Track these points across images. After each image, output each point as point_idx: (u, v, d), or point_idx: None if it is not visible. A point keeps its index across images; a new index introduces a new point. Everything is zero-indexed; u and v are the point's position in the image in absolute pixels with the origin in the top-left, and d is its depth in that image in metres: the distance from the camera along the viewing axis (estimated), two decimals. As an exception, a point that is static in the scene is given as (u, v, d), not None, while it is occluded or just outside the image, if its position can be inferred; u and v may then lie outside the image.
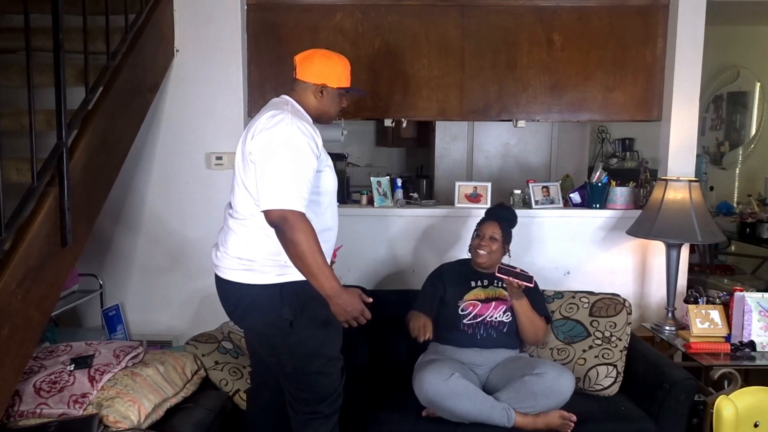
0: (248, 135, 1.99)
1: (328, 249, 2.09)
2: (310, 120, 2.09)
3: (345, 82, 2.13)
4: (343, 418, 2.19)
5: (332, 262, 2.37)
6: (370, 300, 1.96)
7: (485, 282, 2.77)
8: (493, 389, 2.52)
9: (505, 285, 2.68)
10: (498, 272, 2.61)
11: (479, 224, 2.82)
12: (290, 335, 1.99)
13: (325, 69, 2.09)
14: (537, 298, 2.78)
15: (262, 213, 1.90)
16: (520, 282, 2.58)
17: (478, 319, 2.67)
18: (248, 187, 1.99)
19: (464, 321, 2.67)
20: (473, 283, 2.77)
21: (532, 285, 2.62)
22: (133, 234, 3.26)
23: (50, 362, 2.25)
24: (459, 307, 2.70)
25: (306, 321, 1.98)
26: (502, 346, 2.67)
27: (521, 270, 2.64)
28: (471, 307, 2.70)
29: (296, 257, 1.87)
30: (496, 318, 2.68)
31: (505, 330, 2.68)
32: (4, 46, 2.79)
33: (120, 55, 2.55)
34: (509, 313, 2.70)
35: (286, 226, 1.85)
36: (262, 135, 1.93)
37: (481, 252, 2.74)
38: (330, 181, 2.09)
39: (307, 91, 2.10)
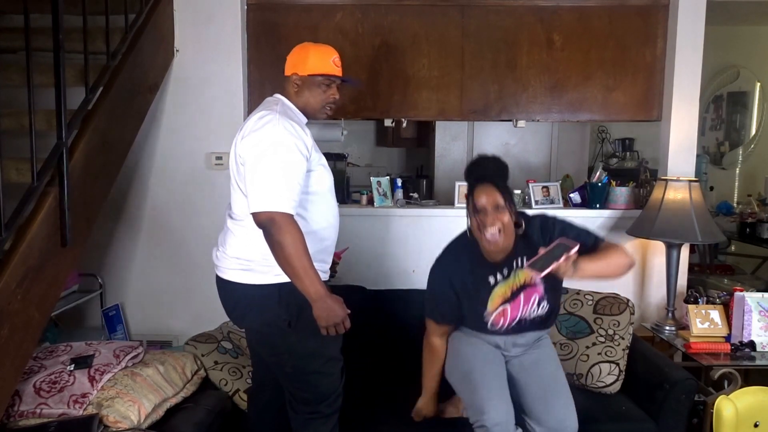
0: (239, 137, 2.00)
1: (327, 247, 2.09)
2: (302, 117, 2.08)
3: (318, 68, 2.05)
4: (342, 418, 2.18)
5: (336, 264, 2.37)
6: (349, 311, 1.96)
7: (505, 271, 2.20)
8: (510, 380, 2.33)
9: (522, 264, 2.13)
10: (539, 272, 1.91)
11: (471, 196, 2.17)
12: (289, 335, 1.99)
13: (296, 59, 2.08)
14: (575, 234, 2.14)
15: (251, 215, 1.90)
16: (568, 257, 1.91)
17: (513, 323, 2.23)
18: (243, 188, 1.99)
19: (498, 333, 2.26)
20: (492, 280, 2.22)
21: (577, 247, 1.93)
22: (133, 234, 3.26)
23: (50, 362, 2.25)
24: (487, 322, 2.23)
25: (305, 321, 1.97)
26: (535, 329, 2.31)
27: (551, 246, 1.97)
28: (501, 319, 2.22)
29: (282, 259, 1.86)
30: (532, 314, 2.23)
31: (542, 319, 2.26)
32: (4, 46, 2.79)
33: (120, 55, 2.55)
34: (544, 302, 2.22)
35: (273, 228, 1.85)
36: (251, 137, 1.93)
37: (493, 231, 2.09)
38: (324, 180, 2.07)
39: (288, 86, 2.09)
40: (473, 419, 2.20)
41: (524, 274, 2.17)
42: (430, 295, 2.35)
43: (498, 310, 2.22)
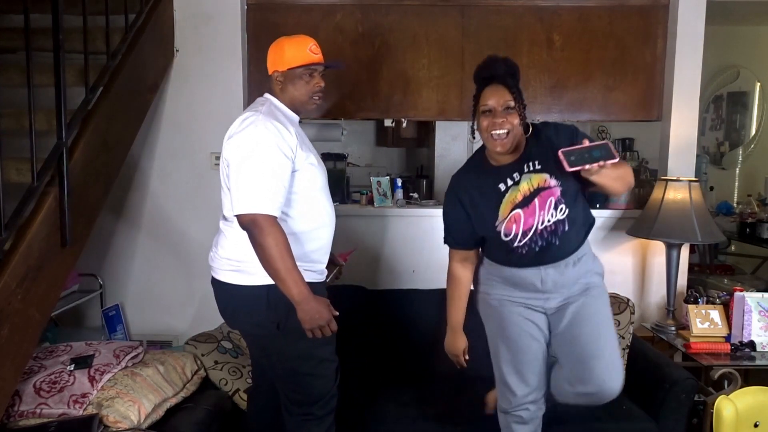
0: (225, 138, 2.00)
1: (319, 248, 2.07)
2: (291, 116, 2.07)
3: (296, 60, 2.02)
4: (340, 418, 2.18)
5: (341, 265, 2.36)
6: (337, 313, 1.95)
7: (516, 176, 2.06)
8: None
9: (535, 168, 2.04)
10: (569, 166, 1.84)
11: (478, 96, 2.07)
12: (279, 337, 1.98)
13: (273, 56, 2.07)
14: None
15: (235, 217, 1.90)
16: (604, 164, 1.85)
17: (529, 235, 2.05)
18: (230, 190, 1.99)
19: (514, 245, 2.07)
20: (502, 186, 2.07)
21: (616, 160, 1.86)
22: (133, 234, 3.26)
23: (50, 362, 2.25)
24: (500, 232, 2.07)
25: (294, 323, 1.94)
26: (568, 253, 2.10)
27: (597, 143, 1.87)
28: (514, 226, 2.04)
29: (264, 261, 1.86)
30: (550, 220, 2.03)
31: (566, 229, 2.05)
32: (4, 46, 2.79)
33: (120, 55, 2.55)
34: (562, 205, 2.03)
35: (256, 230, 1.85)
36: (234, 139, 1.93)
37: (501, 132, 1.98)
38: (314, 180, 2.04)
39: (273, 85, 2.09)
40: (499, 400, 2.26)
41: (538, 177, 2.04)
42: (443, 218, 2.26)
43: (509, 216, 2.05)
